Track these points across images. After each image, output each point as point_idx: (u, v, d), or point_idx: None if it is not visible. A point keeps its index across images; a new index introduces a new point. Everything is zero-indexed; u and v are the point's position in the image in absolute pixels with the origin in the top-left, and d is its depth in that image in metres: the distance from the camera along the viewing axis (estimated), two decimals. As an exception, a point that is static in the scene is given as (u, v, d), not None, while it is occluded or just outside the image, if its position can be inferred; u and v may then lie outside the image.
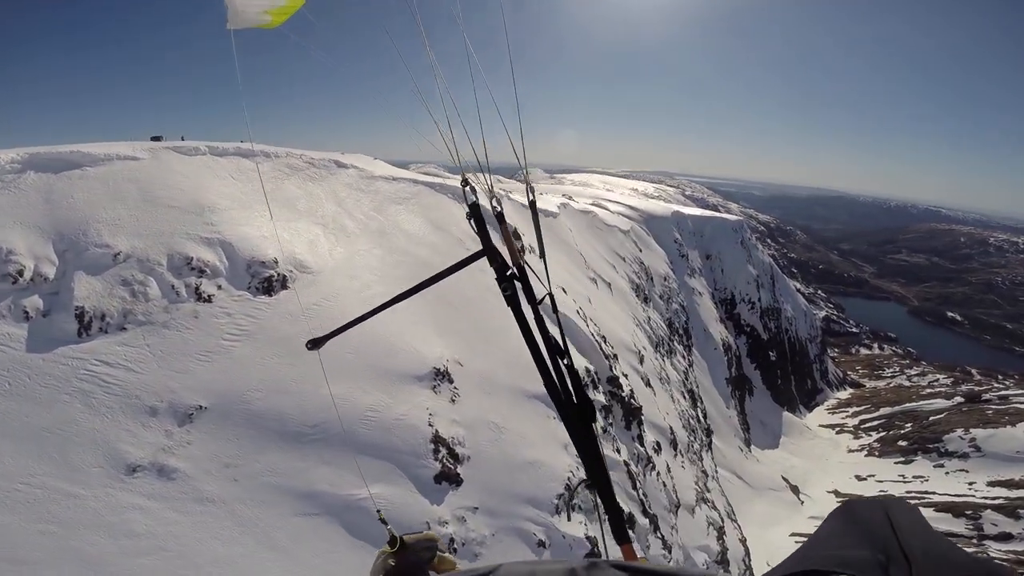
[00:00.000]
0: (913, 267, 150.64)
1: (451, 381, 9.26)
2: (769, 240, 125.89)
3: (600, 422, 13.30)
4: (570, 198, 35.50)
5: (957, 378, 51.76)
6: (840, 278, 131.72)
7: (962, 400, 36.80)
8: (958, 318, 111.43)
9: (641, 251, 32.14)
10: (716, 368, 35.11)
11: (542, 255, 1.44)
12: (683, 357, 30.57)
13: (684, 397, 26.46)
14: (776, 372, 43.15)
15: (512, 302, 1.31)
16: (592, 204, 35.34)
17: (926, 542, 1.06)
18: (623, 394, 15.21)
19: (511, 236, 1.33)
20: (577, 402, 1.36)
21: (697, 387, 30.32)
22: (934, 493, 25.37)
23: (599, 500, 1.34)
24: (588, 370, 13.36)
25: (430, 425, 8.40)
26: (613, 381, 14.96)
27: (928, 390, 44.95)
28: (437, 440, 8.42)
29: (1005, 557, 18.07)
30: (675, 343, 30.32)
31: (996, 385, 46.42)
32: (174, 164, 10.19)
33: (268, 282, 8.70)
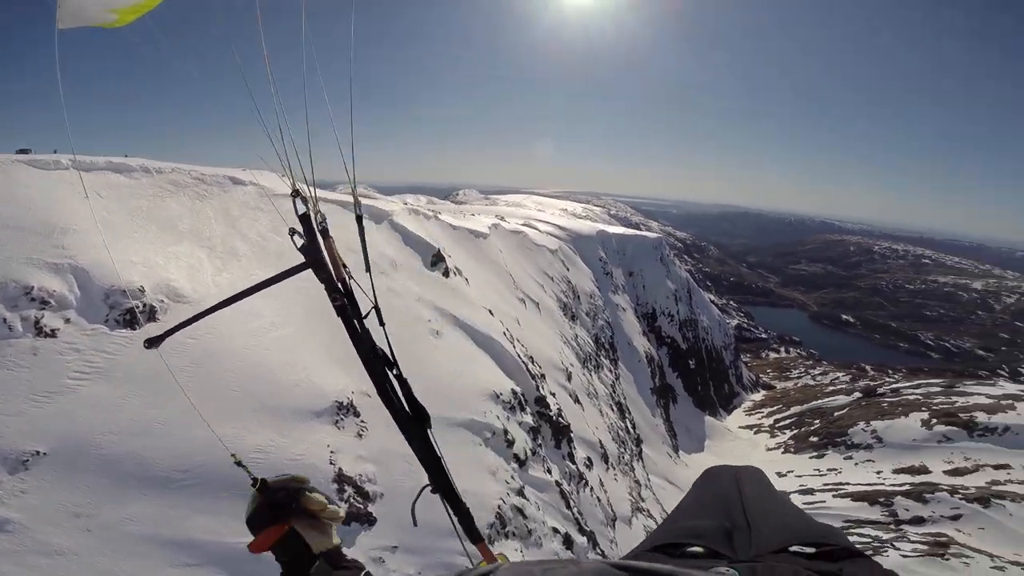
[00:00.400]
0: (811, 276, 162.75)
1: (357, 415, 8.26)
2: (686, 256, 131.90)
3: (527, 444, 12.60)
4: (502, 219, 35.13)
5: (854, 375, 55.63)
6: (749, 289, 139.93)
7: (860, 395, 39.28)
8: (851, 320, 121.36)
9: (568, 270, 32.18)
10: (641, 379, 35.62)
11: (367, 269, 1.33)
12: (610, 371, 30.74)
13: (612, 410, 26.44)
14: (696, 379, 44.59)
15: (342, 313, 1.21)
16: (523, 224, 35.13)
17: (768, 508, 1.23)
18: (551, 413, 14.64)
19: (335, 251, 1.21)
20: (411, 411, 1.32)
21: (624, 399, 30.52)
22: (848, 484, 26.49)
23: (446, 503, 1.34)
24: (515, 392, 12.65)
25: (332, 464, 7.37)
26: (541, 401, 14.36)
27: (831, 387, 47.87)
28: (341, 479, 7.41)
29: (924, 540, 18.76)
30: (602, 358, 30.43)
31: (887, 379, 50.14)
32: (24, 178, 8.59)
33: (130, 314, 7.35)
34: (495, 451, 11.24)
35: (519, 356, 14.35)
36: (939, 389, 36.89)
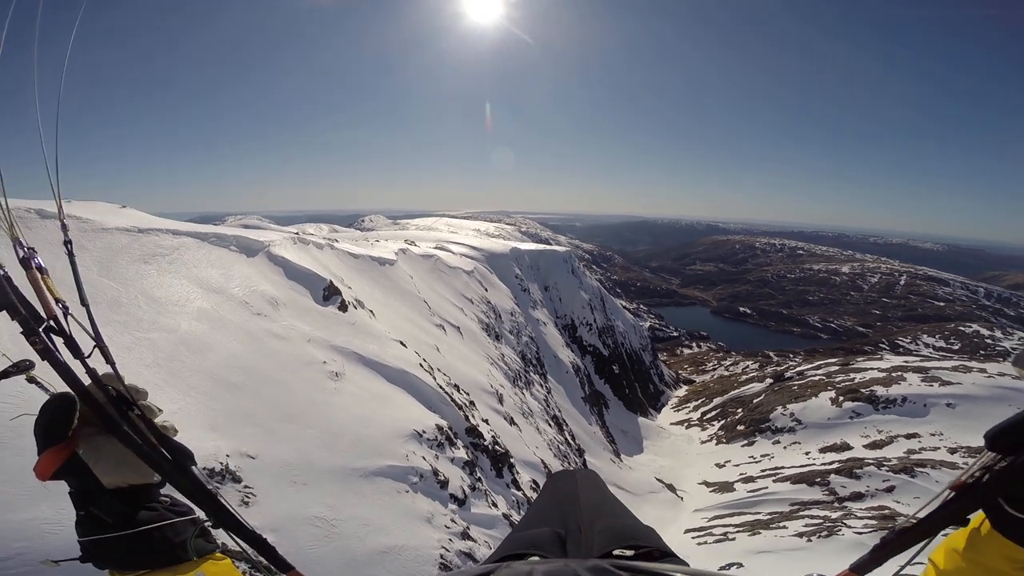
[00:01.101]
0: (707, 274, 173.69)
1: (237, 480, 6.21)
2: (594, 266, 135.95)
3: (464, 480, 10.86)
4: (412, 243, 33.31)
5: (761, 362, 58.72)
6: (655, 291, 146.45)
7: (772, 381, 40.95)
8: (748, 311, 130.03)
9: (487, 290, 30.87)
10: (572, 389, 34.97)
11: (83, 303, 1.11)
12: (540, 386, 29.71)
13: (550, 425, 25.29)
14: (622, 383, 44.82)
15: (48, 356, 0.97)
16: (435, 248, 33.50)
17: (599, 513, 1.31)
18: (486, 443, 12.97)
19: (41, 281, 1.03)
20: (167, 451, 1.09)
21: (559, 411, 29.55)
22: (783, 467, 26.84)
23: (234, 536, 1.13)
24: (440, 427, 10.88)
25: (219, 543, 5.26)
26: (472, 432, 12.65)
27: (744, 376, 49.84)
28: (238, 559, 5.33)
29: (869, 515, 18.89)
30: (531, 373, 29.32)
31: (791, 363, 53.20)
32: None
33: None
34: (427, 495, 9.44)
35: (441, 387, 12.57)
36: (837, 368, 39.20)
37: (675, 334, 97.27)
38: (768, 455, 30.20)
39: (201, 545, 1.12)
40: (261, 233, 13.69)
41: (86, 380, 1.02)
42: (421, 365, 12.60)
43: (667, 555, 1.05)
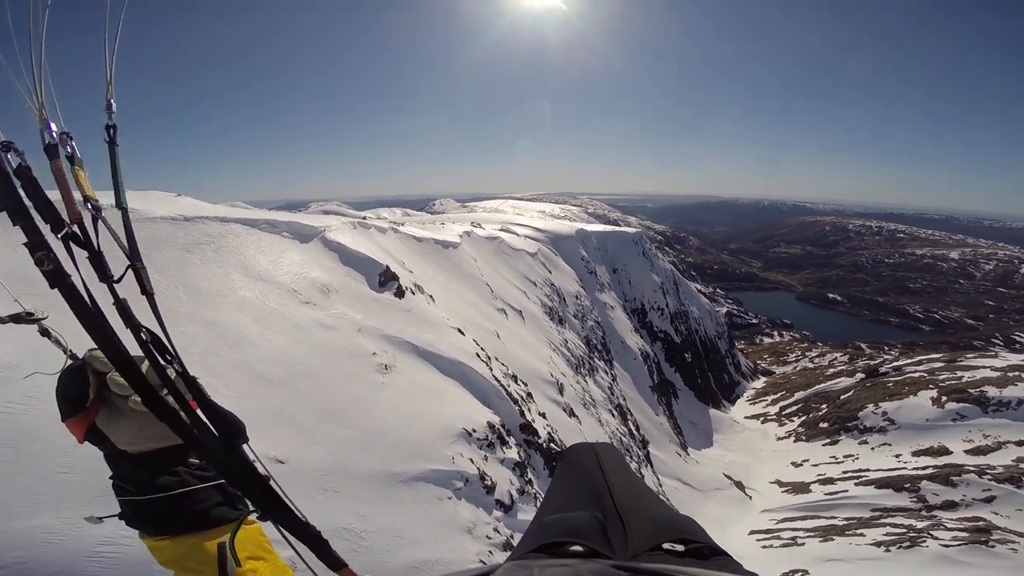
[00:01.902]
0: (792, 257, 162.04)
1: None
2: (667, 248, 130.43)
3: (514, 484, 10.25)
4: (478, 225, 33.00)
5: (851, 354, 53.86)
6: (733, 275, 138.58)
7: (864, 376, 37.34)
8: (838, 298, 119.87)
9: (551, 272, 30.01)
10: (639, 377, 33.58)
11: (120, 205, 0.91)
12: (606, 373, 28.63)
13: (613, 415, 24.28)
14: (694, 372, 42.65)
15: (57, 280, 0.76)
16: (500, 230, 33.03)
17: (633, 495, 1.22)
18: (540, 440, 12.28)
19: (65, 175, 0.81)
20: (212, 421, 0.91)
21: (624, 400, 28.41)
22: (868, 470, 24.52)
23: (282, 531, 0.97)
24: (492, 425, 10.29)
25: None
26: (527, 428, 11.98)
27: (831, 370, 45.95)
28: None
29: (960, 526, 17.01)
30: (595, 360, 28.29)
31: (885, 357, 48.39)
32: None
33: None
34: (472, 502, 8.90)
35: (497, 379, 11.96)
36: (941, 364, 35.05)
37: (754, 321, 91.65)
38: (852, 456, 27.70)
39: (224, 512, 1.02)
40: (319, 218, 13.53)
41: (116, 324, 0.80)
42: (478, 355, 12.04)
43: (716, 552, 0.95)
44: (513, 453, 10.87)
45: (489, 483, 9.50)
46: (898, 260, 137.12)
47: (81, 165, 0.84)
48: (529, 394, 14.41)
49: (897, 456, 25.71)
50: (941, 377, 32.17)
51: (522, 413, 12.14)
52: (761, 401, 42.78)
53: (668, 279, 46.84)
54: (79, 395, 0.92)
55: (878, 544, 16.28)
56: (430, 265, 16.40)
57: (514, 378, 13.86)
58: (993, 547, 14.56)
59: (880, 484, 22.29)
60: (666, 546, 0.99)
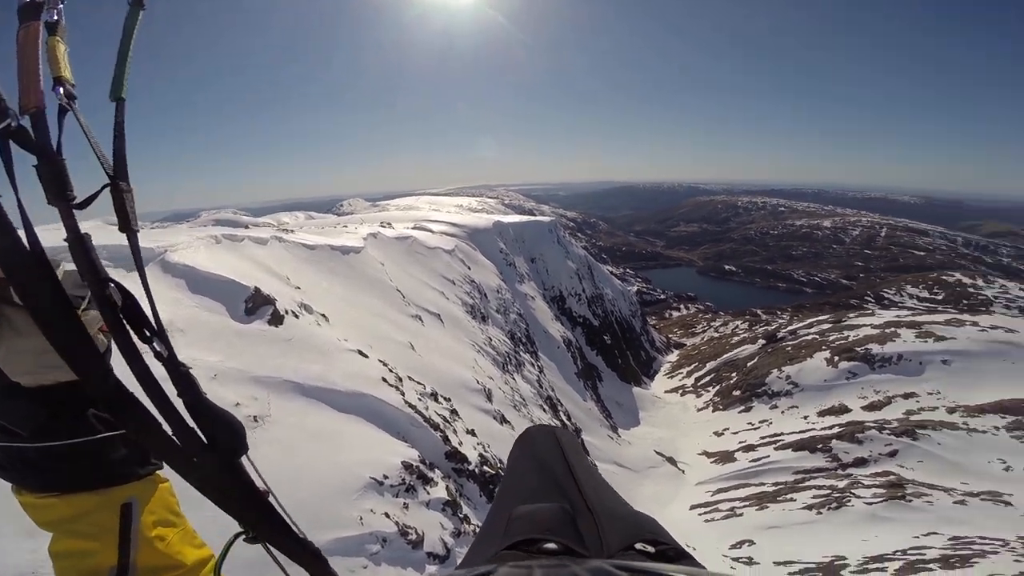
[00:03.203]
0: (691, 235, 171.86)
1: None
2: (579, 234, 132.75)
3: (446, 527, 8.52)
4: (388, 225, 30.39)
5: (750, 320, 57.00)
6: (640, 255, 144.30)
7: (765, 342, 39.13)
8: (733, 269, 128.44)
9: (470, 268, 28.26)
10: (564, 365, 32.96)
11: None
12: (532, 365, 27.54)
13: (544, 409, 23.17)
14: (614, 353, 42.90)
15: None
16: (412, 228, 30.69)
17: (600, 492, 1.16)
18: (471, 467, 10.59)
19: (37, 43, 0.56)
20: (202, 431, 0.73)
21: (553, 391, 27.55)
22: (783, 433, 25.36)
23: (273, 552, 0.83)
24: (409, 464, 8.44)
25: None
26: (453, 456, 10.22)
27: (735, 338, 48.10)
28: None
29: (876, 483, 17.66)
30: (521, 354, 27.09)
31: (780, 320, 51.56)
32: None
33: None
34: (395, 564, 7.06)
35: (411, 405, 10.06)
36: (829, 326, 37.50)
37: (663, 297, 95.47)
38: (766, 421, 28.67)
39: (132, 468, 0.83)
40: (168, 235, 10.76)
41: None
42: (384, 380, 10.02)
43: (682, 555, 0.93)
44: (440, 490, 9.07)
45: (414, 536, 7.68)
46: (781, 231, 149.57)
47: (64, 38, 0.58)
48: (454, 411, 12.63)
49: (805, 417, 26.85)
50: (831, 338, 34.28)
51: (446, 439, 10.35)
52: (677, 374, 43.91)
53: (583, 264, 46.85)
54: None
55: (809, 507, 16.63)
56: (325, 276, 13.97)
57: (434, 396, 12.00)
58: (911, 501, 15.10)
59: (796, 447, 23.02)
60: (638, 546, 0.95)
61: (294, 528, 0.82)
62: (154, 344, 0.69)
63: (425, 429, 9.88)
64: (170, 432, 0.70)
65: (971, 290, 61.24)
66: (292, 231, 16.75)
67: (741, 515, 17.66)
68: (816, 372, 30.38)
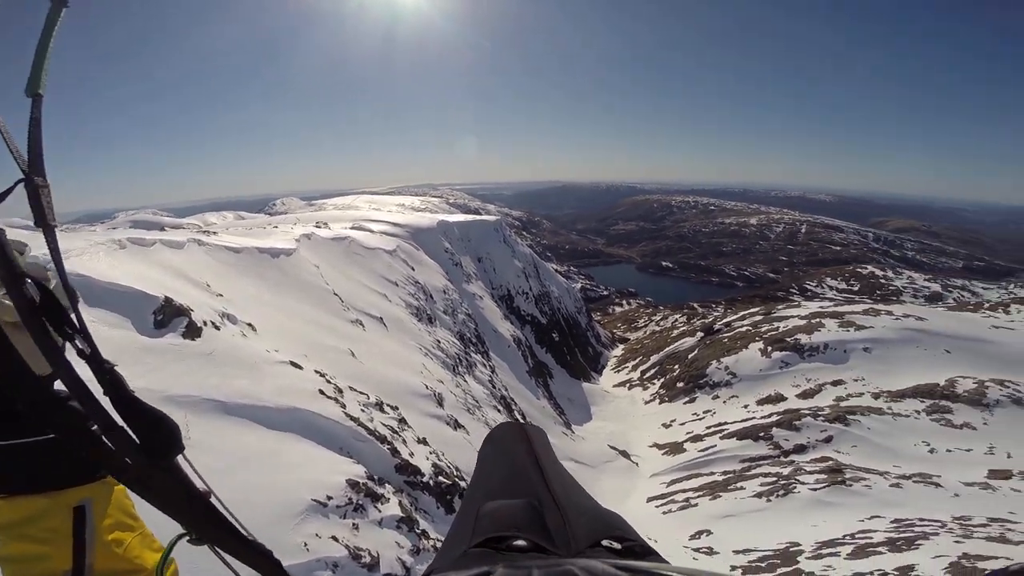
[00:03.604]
0: (629, 233, 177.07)
1: None
2: (524, 232, 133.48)
3: (403, 545, 7.77)
4: (324, 225, 28.75)
5: (688, 314, 59.04)
6: (583, 252, 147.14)
7: (703, 335, 40.39)
8: (670, 265, 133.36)
9: (414, 269, 27.21)
10: (515, 364, 32.59)
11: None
12: (484, 366, 26.90)
13: (499, 410, 22.58)
14: (563, 350, 43.12)
15: None
16: (351, 228, 29.21)
17: (567, 487, 1.16)
18: (425, 479, 9.82)
19: None
20: (132, 426, 0.70)
21: (507, 390, 27.05)
22: (727, 423, 26.03)
23: (220, 553, 0.80)
24: (355, 481, 7.60)
25: None
26: (404, 469, 9.42)
27: (675, 331, 49.53)
28: None
29: (817, 468, 18.28)
30: (472, 354, 26.40)
31: (715, 313, 53.62)
32: None
33: None
34: (345, 593, 6.30)
35: (353, 417, 9.17)
36: (761, 317, 39.17)
37: (605, 293, 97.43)
38: (710, 411, 29.43)
39: (85, 468, 0.81)
40: (62, 240, 9.32)
41: None
42: (322, 391, 9.05)
43: (648, 551, 0.94)
44: (393, 507, 8.27)
45: (368, 558, 6.87)
46: (712, 229, 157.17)
47: None
48: (402, 420, 11.77)
49: (745, 407, 27.67)
50: (763, 329, 35.77)
51: (395, 451, 9.52)
52: (623, 368, 44.57)
53: (529, 263, 46.90)
54: None
55: (759, 495, 16.97)
56: (252, 282, 12.65)
57: (379, 406, 11.10)
58: (851, 486, 15.61)
59: (740, 436, 23.63)
60: (604, 543, 0.95)
61: (239, 528, 0.78)
62: (76, 342, 0.66)
63: (371, 442, 9.03)
64: (100, 434, 0.66)
65: (883, 281, 66.44)
66: (216, 233, 15.19)
67: (696, 505, 17.86)
68: (752, 362, 31.49)
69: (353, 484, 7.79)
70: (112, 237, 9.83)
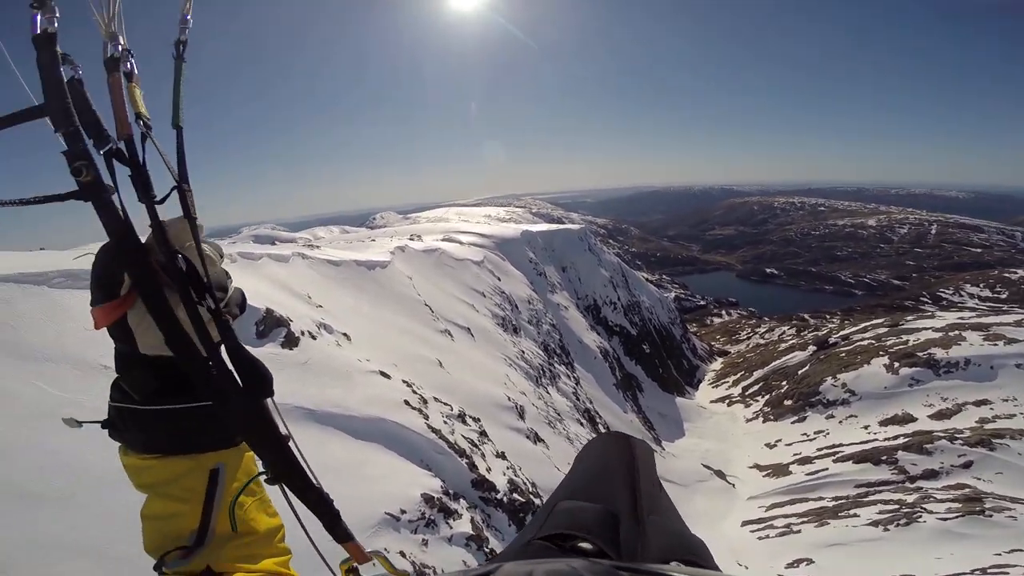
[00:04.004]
0: (727, 238, 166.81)
1: None
2: (610, 241, 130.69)
3: (471, 562, 7.66)
4: (417, 237, 30.12)
5: (797, 326, 54.14)
6: (675, 260, 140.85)
7: (816, 348, 36.85)
8: (775, 272, 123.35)
9: (500, 279, 27.57)
10: (601, 376, 31.74)
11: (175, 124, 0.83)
12: (568, 377, 26.51)
13: (582, 423, 22.12)
14: (655, 362, 41.30)
15: (92, 192, 0.70)
16: (441, 240, 30.31)
17: (657, 505, 1.14)
18: (499, 496, 9.72)
19: (122, 88, 0.75)
20: (241, 374, 0.83)
21: (591, 403, 26.43)
22: (842, 444, 23.64)
23: (289, 495, 0.89)
24: (430, 496, 7.67)
25: None
26: (481, 484, 9.39)
27: (783, 344, 45.71)
28: None
29: (950, 496, 16.18)
30: (556, 365, 26.11)
31: (829, 325, 48.71)
32: None
33: None
34: (412, 613, 6.31)
35: (436, 429, 9.30)
36: (886, 329, 35.06)
37: (702, 303, 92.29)
38: (823, 431, 26.79)
39: (224, 436, 0.88)
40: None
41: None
42: (407, 402, 9.30)
43: None
44: (464, 523, 8.24)
45: (434, 579, 6.89)
46: (823, 231, 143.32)
47: (138, 83, 0.78)
48: (483, 432, 11.81)
49: (866, 427, 24.94)
50: (888, 343, 32.00)
51: (472, 466, 9.52)
52: (723, 383, 41.87)
53: (616, 272, 45.51)
54: (111, 282, 0.76)
55: (875, 524, 15.32)
56: (350, 293, 13.46)
57: (461, 417, 11.22)
58: (991, 516, 13.73)
59: (858, 459, 21.44)
60: (673, 564, 0.96)
61: (309, 474, 0.88)
62: (205, 301, 0.79)
63: (450, 456, 9.10)
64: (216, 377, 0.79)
65: (1039, 287, 56.59)
66: (319, 247, 16.40)
67: (798, 532, 16.49)
68: (875, 379, 28.25)
69: (428, 499, 7.85)
70: (226, 253, 10.93)
